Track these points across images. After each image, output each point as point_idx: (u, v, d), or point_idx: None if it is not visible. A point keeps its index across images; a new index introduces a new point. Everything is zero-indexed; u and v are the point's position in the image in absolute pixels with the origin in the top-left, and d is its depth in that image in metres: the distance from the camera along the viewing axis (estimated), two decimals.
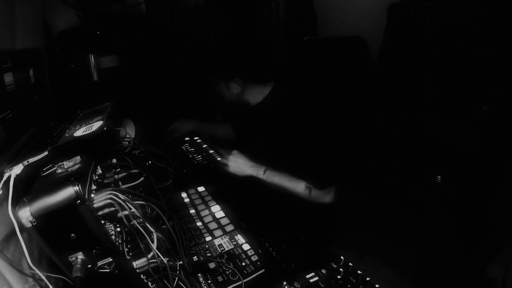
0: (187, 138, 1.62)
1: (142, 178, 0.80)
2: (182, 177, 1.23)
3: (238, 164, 1.09)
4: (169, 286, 0.68)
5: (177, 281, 0.71)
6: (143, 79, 1.89)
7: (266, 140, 1.13)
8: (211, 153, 1.46)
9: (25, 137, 0.79)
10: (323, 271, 0.80)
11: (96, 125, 0.76)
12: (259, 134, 1.18)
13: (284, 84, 1.17)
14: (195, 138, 1.62)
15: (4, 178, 0.57)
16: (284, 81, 1.18)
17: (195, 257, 0.85)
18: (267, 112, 1.14)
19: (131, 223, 0.62)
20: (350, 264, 0.81)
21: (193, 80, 2.27)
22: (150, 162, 0.96)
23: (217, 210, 1.04)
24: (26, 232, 0.54)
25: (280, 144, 1.07)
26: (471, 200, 1.95)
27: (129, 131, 1.02)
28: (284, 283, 0.75)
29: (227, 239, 0.91)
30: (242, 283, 0.76)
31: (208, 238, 0.92)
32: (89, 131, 0.73)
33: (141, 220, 0.63)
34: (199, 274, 0.79)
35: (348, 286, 0.75)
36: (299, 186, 1.05)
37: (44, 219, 0.52)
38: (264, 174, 1.07)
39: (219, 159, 1.33)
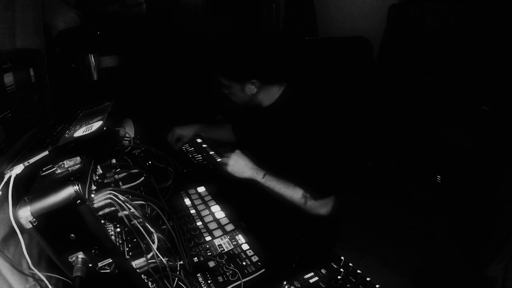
0: None
1: (142, 178, 0.80)
2: (182, 177, 1.23)
3: (238, 165, 1.08)
4: (169, 286, 0.68)
5: (177, 281, 0.71)
6: (143, 79, 1.89)
7: (270, 143, 1.12)
8: (211, 153, 1.46)
9: (25, 137, 0.79)
10: (323, 271, 0.80)
11: (96, 125, 0.76)
12: (263, 136, 1.17)
13: (296, 85, 1.15)
14: (196, 138, 1.62)
15: (5, 178, 0.57)
16: (297, 82, 1.16)
17: (196, 257, 0.85)
18: (277, 113, 1.12)
19: (132, 223, 0.62)
20: (350, 264, 0.81)
21: (193, 79, 2.28)
22: (150, 162, 0.96)
23: (217, 210, 1.04)
24: (26, 232, 0.54)
25: (284, 148, 1.06)
26: (471, 200, 1.95)
27: (129, 131, 1.02)
28: (284, 283, 0.75)
29: (227, 239, 0.91)
30: (241, 283, 0.76)
31: (208, 238, 0.92)
32: (89, 131, 0.73)
33: (141, 220, 0.63)
34: (199, 274, 0.79)
35: (348, 286, 0.76)
36: (295, 194, 1.03)
37: (44, 219, 0.52)
38: (263, 178, 1.05)
39: (219, 159, 1.33)
